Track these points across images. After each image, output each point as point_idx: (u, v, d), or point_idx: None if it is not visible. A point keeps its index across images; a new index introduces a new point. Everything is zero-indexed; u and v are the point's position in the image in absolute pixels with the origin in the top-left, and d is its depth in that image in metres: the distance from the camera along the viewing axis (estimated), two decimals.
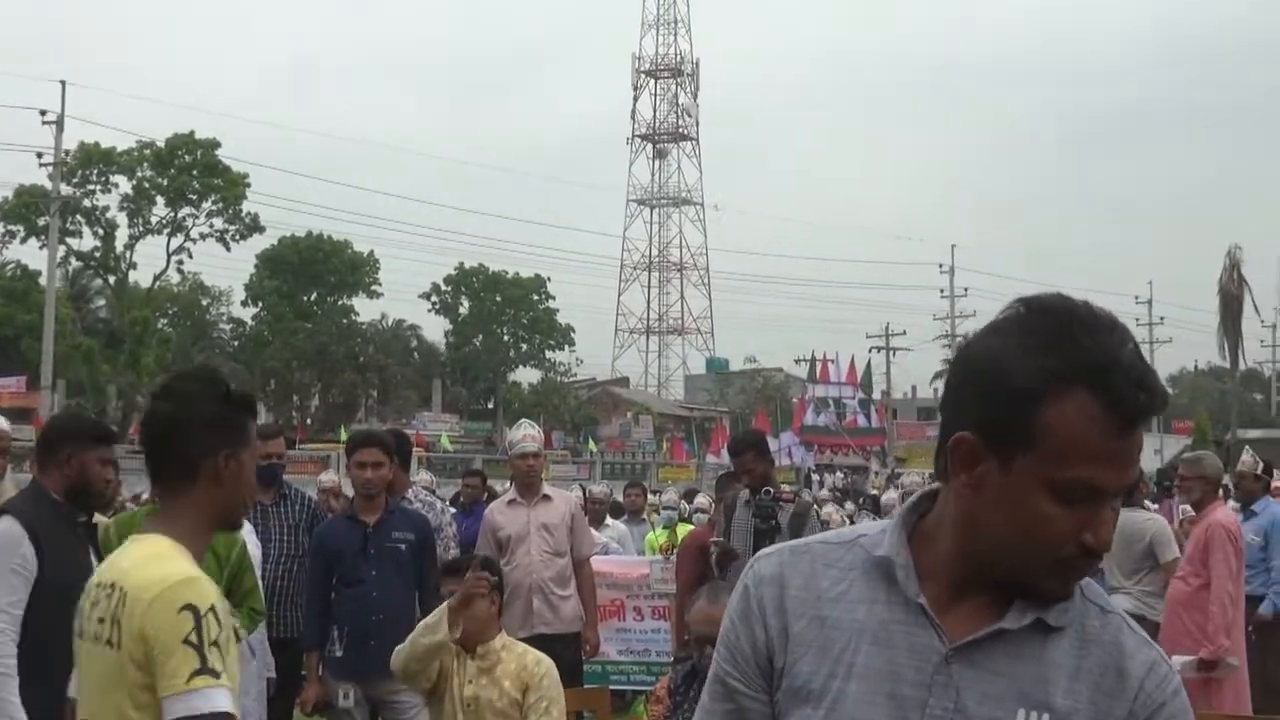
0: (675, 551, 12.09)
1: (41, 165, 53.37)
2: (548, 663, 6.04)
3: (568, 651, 9.00)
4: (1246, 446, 13.23)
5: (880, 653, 2.06)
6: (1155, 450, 60.36)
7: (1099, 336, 1.95)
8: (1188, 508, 11.75)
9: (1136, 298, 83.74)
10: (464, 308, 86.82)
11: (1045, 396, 1.94)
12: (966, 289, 77.39)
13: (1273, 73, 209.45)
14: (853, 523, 22.08)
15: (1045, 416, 1.94)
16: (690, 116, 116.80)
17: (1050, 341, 1.95)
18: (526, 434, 9.61)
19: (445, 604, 5.91)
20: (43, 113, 51.07)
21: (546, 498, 9.47)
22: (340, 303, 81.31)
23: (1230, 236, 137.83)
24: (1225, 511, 9.70)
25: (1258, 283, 76.75)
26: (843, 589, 2.13)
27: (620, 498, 18.61)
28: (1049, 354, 1.95)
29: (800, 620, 2.13)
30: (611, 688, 10.36)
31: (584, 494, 15.47)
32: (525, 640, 6.56)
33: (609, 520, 15.77)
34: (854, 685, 2.06)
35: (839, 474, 55.19)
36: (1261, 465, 11.77)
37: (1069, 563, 2.00)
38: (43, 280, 59.14)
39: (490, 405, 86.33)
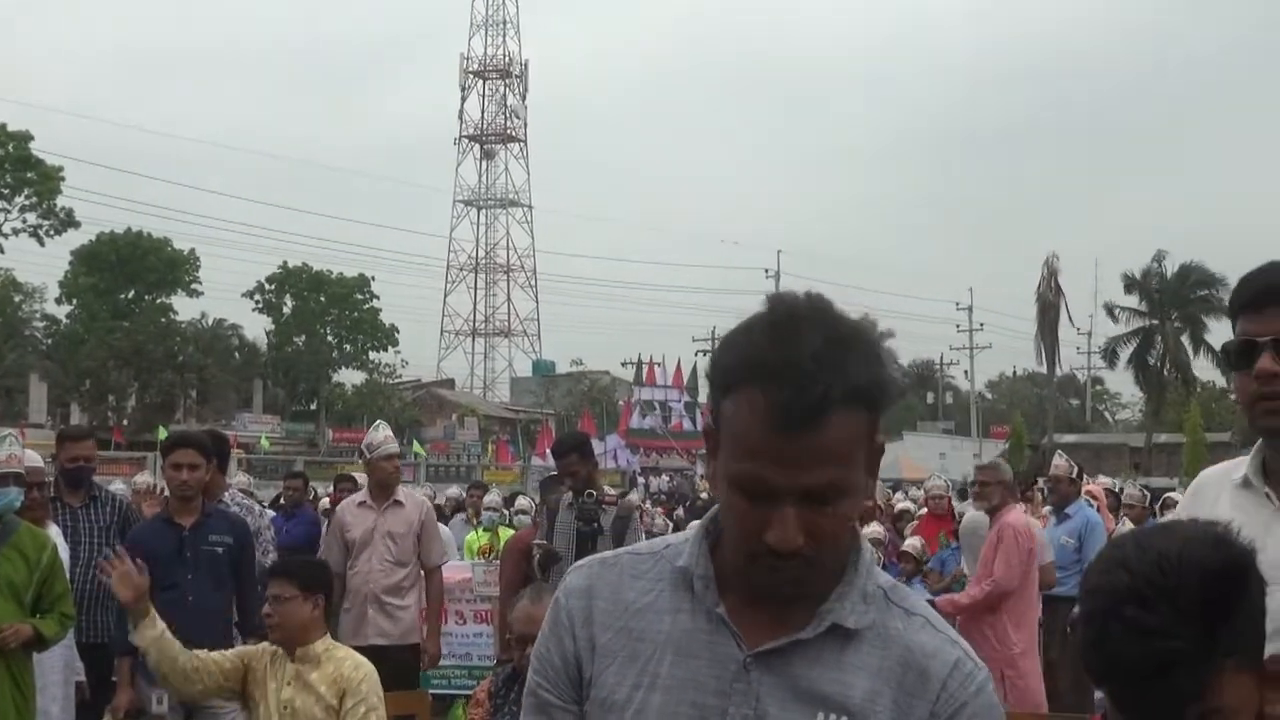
0: (495, 554, 12.02)
1: None
2: (367, 667, 5.93)
3: (404, 661, 8.97)
4: (1059, 451, 13.51)
5: (683, 663, 2.08)
6: (975, 454, 61.74)
7: (779, 335, 1.95)
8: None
9: (958, 304, 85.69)
10: (287, 307, 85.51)
11: (727, 391, 1.99)
12: None
13: (1089, 90, 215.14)
14: (678, 526, 22.21)
15: (725, 410, 1.99)
16: (519, 118, 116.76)
17: (746, 339, 1.99)
18: (387, 435, 9.53)
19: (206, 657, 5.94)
20: None
21: (398, 503, 9.35)
22: (159, 301, 79.62)
23: (1048, 246, 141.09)
24: (1017, 514, 9.88)
25: (1074, 291, 78.60)
26: (649, 600, 2.15)
27: (450, 499, 18.66)
28: (739, 350, 1.98)
29: (607, 632, 2.15)
30: (432, 692, 10.25)
31: None
32: (359, 650, 6.42)
33: None
34: (658, 696, 2.08)
35: (664, 477, 55.58)
36: (1075, 469, 12.04)
37: (760, 559, 1.99)
38: None
39: (313, 406, 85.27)
